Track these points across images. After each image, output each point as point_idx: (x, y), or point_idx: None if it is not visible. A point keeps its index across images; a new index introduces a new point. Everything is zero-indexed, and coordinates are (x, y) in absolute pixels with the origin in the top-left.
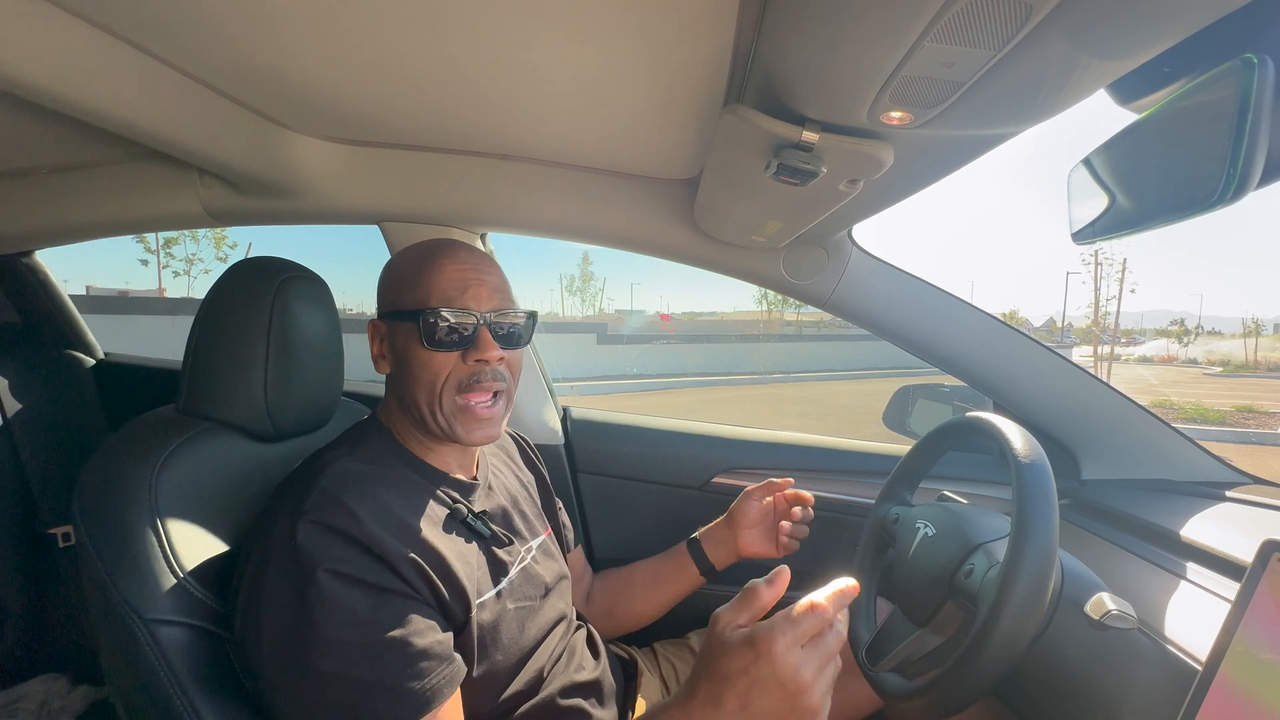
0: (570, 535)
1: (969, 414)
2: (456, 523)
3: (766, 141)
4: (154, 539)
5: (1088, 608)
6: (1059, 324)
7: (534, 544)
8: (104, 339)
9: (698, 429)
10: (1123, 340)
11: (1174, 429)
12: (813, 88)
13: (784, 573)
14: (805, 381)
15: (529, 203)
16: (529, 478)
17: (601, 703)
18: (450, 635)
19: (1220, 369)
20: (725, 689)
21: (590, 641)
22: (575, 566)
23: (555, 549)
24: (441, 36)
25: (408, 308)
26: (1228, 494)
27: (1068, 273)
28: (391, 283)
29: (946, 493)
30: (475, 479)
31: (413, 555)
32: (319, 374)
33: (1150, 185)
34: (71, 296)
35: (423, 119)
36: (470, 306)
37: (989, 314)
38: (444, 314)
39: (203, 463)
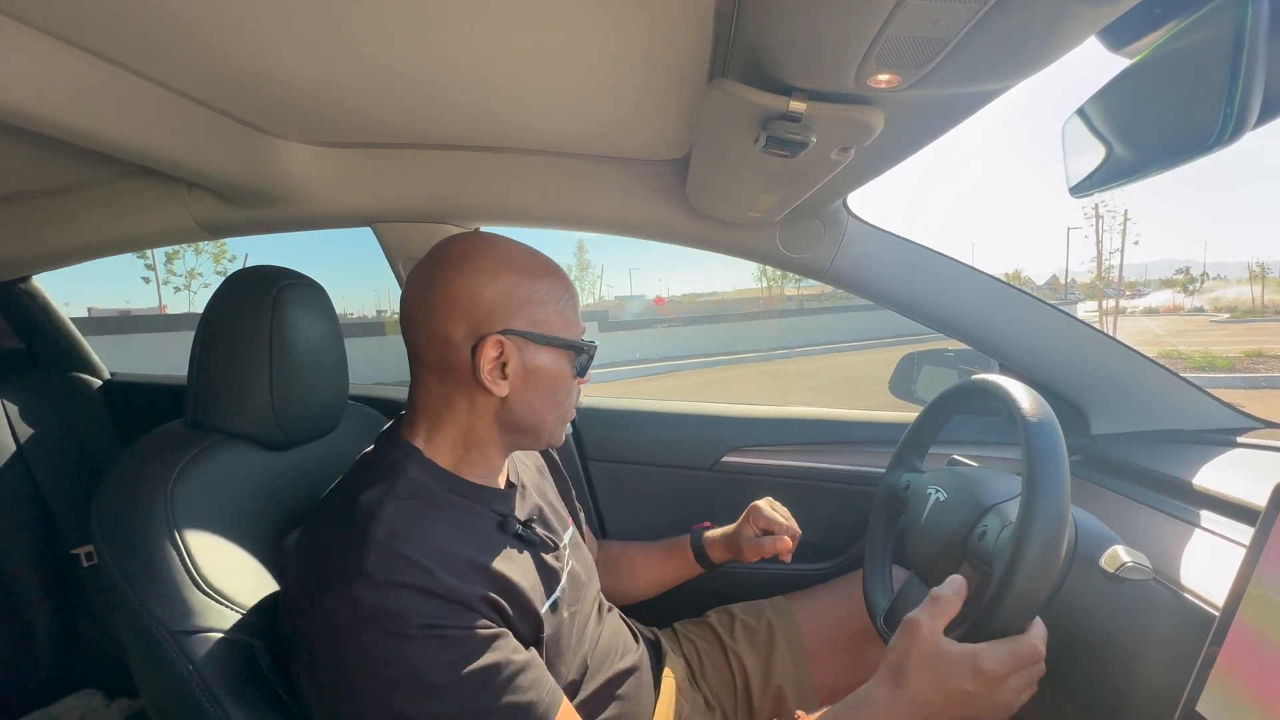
0: (581, 515)
1: (974, 377)
2: (508, 537)
3: (754, 114)
4: (174, 553)
5: (1102, 561)
6: (1062, 281)
7: (565, 539)
8: (108, 360)
9: (705, 410)
10: (1127, 293)
11: (1182, 378)
12: (797, 56)
13: (961, 585)
14: (809, 356)
15: (521, 193)
16: (542, 464)
17: (640, 687)
18: (534, 652)
19: (1227, 315)
20: (938, 696)
21: (625, 624)
22: (590, 550)
23: (577, 533)
24: (420, 32)
25: (558, 334)
26: (1239, 440)
27: (1069, 228)
28: (511, 294)
29: (957, 456)
30: (511, 484)
31: (488, 593)
32: (324, 379)
33: (1147, 131)
34: (74, 320)
35: (408, 116)
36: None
37: (989, 275)
38: (594, 346)
39: (216, 475)
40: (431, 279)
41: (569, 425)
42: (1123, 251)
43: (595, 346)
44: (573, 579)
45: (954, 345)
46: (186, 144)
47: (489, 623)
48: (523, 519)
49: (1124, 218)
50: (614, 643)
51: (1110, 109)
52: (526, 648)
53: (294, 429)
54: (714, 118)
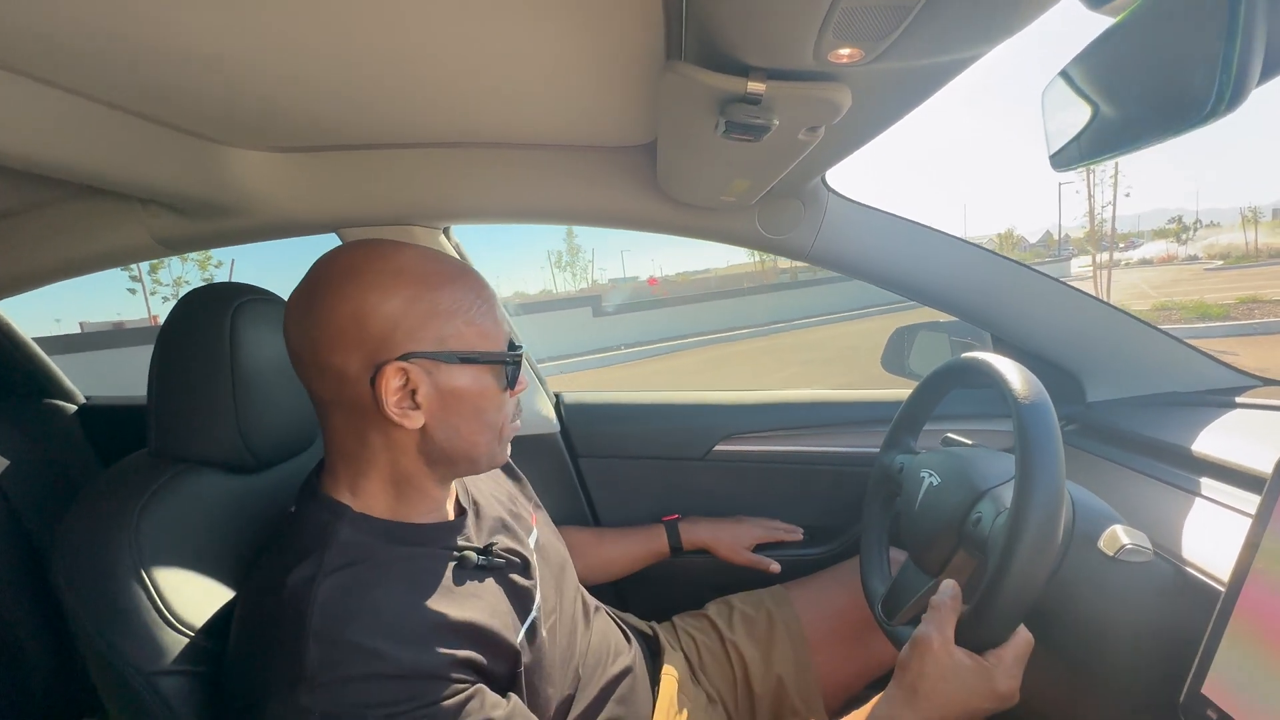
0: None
1: (965, 355)
2: (469, 572)
3: (711, 98)
4: (142, 592)
5: (1101, 543)
6: (1055, 237)
7: (532, 543)
8: (103, 376)
9: (694, 399)
10: (1120, 245)
11: (1176, 339)
12: (751, 32)
13: (954, 588)
14: (805, 328)
15: (488, 189)
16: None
17: (636, 688)
18: (514, 697)
19: (1221, 262)
20: (956, 712)
21: (614, 623)
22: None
23: (545, 524)
24: (367, 29)
25: (472, 348)
26: (1237, 400)
27: (1060, 183)
28: (407, 312)
29: (951, 435)
30: (462, 506)
31: (456, 652)
32: (292, 397)
33: (1133, 99)
34: (65, 336)
35: (364, 117)
36: (509, 331)
37: (977, 246)
38: (520, 353)
39: (183, 505)
40: (310, 305)
41: (555, 419)
42: (1115, 204)
43: (521, 354)
44: (546, 588)
45: (946, 316)
46: (133, 161)
47: (460, 684)
48: (482, 545)
49: (1115, 170)
50: (604, 646)
51: (1093, 74)
52: (506, 691)
53: (264, 451)
54: (673, 103)
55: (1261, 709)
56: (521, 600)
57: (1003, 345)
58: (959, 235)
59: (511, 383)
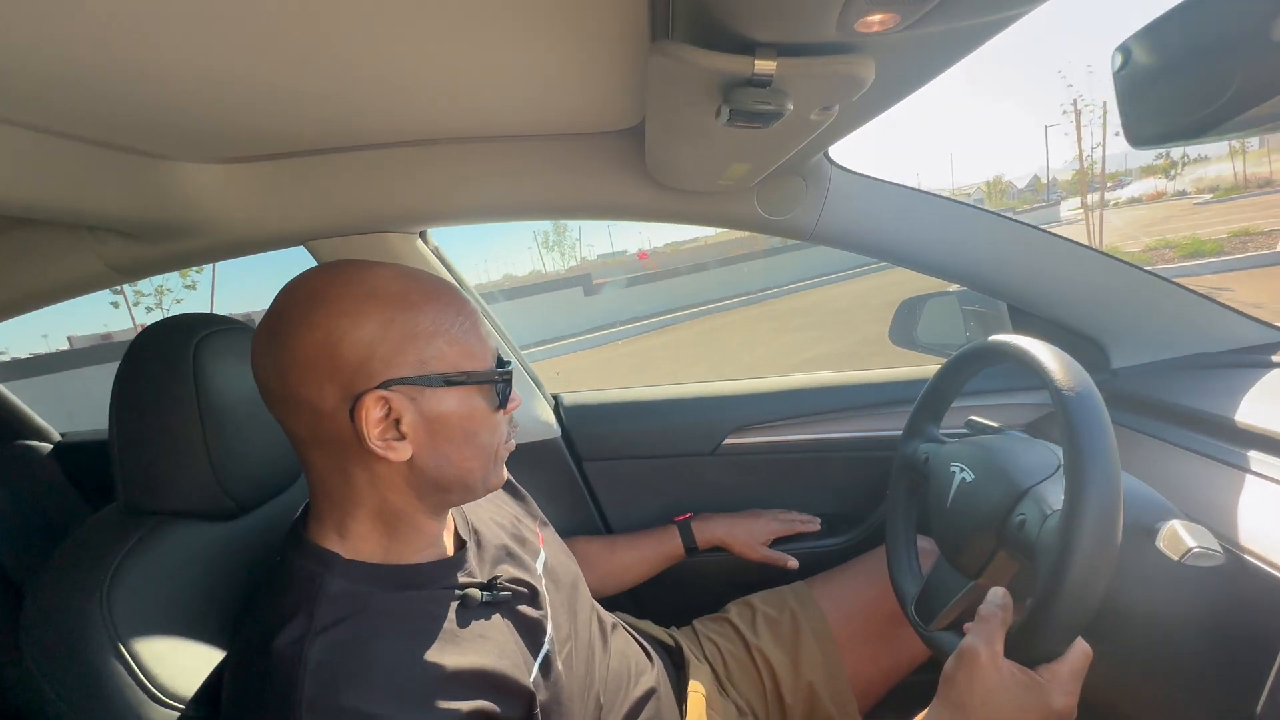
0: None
1: (992, 339)
2: (473, 611)
3: (710, 82)
4: (121, 667)
5: (1162, 544)
6: (1044, 181)
7: (539, 566)
8: (94, 393)
9: (700, 391)
10: (1109, 185)
11: (1202, 295)
12: (760, 2)
13: (1004, 597)
14: (798, 292)
15: (464, 187)
16: None
17: (662, 708)
18: None
19: (1210, 196)
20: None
21: (634, 639)
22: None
23: (553, 542)
24: (320, 26)
25: (457, 369)
26: (1274, 359)
27: (1046, 126)
28: (383, 336)
29: (975, 418)
30: (461, 538)
31: (463, 705)
32: (270, 432)
33: (1236, 72)
34: (54, 354)
35: (323, 120)
36: (495, 347)
37: (989, 211)
38: (509, 369)
39: (160, 564)
40: (276, 337)
41: (555, 424)
42: (1104, 145)
43: (510, 370)
44: (558, 615)
45: (954, 285)
46: (72, 187)
47: None
48: (486, 579)
49: (1104, 110)
50: (625, 667)
51: (1170, 44)
52: None
53: (245, 494)
54: (662, 87)
55: None
56: (532, 633)
57: (1019, 314)
58: (948, 189)
59: (503, 401)
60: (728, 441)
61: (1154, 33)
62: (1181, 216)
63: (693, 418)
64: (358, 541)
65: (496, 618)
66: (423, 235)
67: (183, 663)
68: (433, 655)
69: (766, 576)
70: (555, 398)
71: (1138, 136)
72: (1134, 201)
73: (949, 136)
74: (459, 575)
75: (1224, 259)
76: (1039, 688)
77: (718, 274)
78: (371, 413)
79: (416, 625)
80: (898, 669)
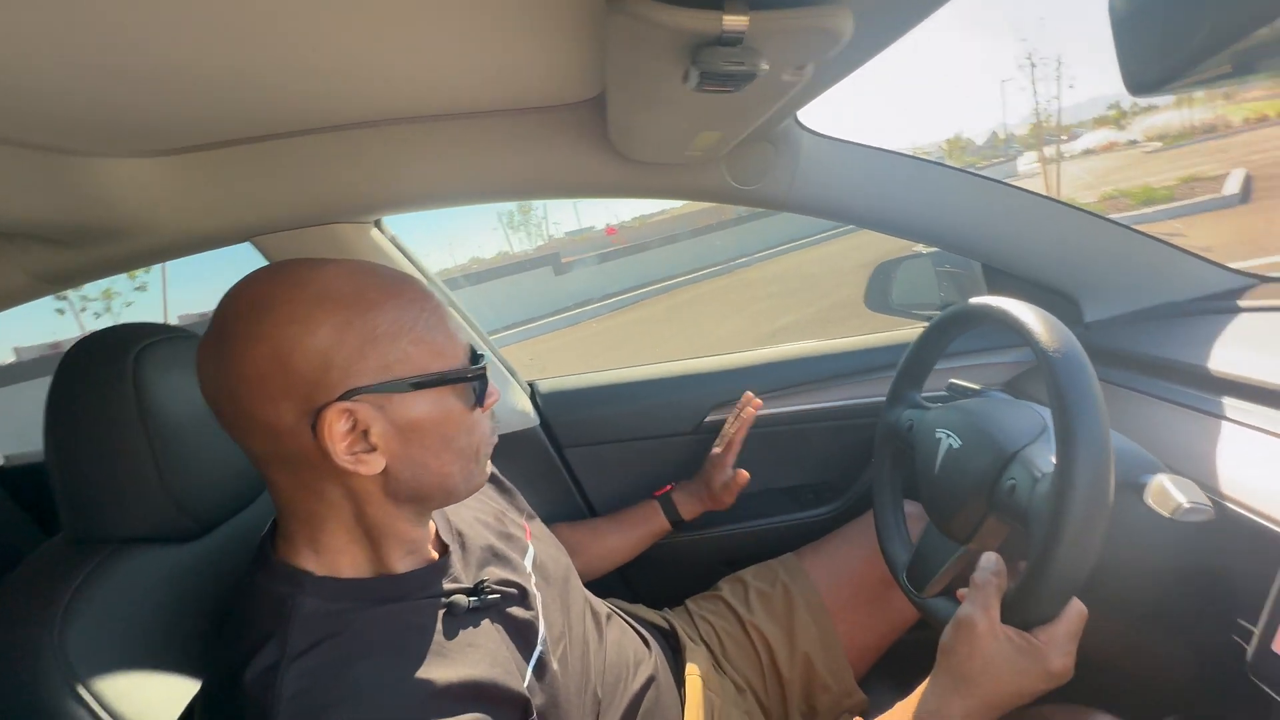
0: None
1: (973, 301)
2: (461, 619)
3: (675, 42)
4: (80, 709)
5: (1151, 500)
6: (1001, 136)
7: (528, 562)
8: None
9: (679, 369)
10: (1064, 138)
11: (1167, 244)
12: None
13: (997, 562)
14: (769, 260)
15: (422, 170)
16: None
17: (662, 696)
18: None
19: (1159, 143)
20: (1009, 695)
21: (629, 627)
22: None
23: (541, 536)
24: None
25: (426, 370)
26: (1240, 304)
27: (1003, 81)
28: (340, 342)
29: (955, 381)
30: (444, 541)
31: None
32: (227, 442)
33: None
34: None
35: (265, 103)
36: (467, 340)
37: (961, 170)
38: (483, 364)
39: (118, 596)
40: (222, 353)
41: (532, 412)
42: (1060, 98)
43: (484, 365)
44: (551, 612)
45: (924, 247)
46: None
47: None
48: (472, 584)
49: (1058, 64)
50: (622, 659)
51: None
52: None
53: (206, 511)
54: (623, 50)
55: None
56: (524, 635)
57: (993, 273)
58: (910, 147)
59: (480, 398)
60: (710, 418)
61: None
62: (1133, 165)
63: (673, 397)
64: (333, 556)
65: (486, 623)
66: (378, 224)
67: (150, 699)
68: (421, 672)
69: (757, 552)
70: (531, 385)
71: (1138, 82)
72: (1088, 153)
73: (909, 95)
74: (444, 582)
75: (1175, 205)
76: (1036, 651)
77: (688, 246)
78: (335, 427)
79: (401, 641)
80: (890, 632)
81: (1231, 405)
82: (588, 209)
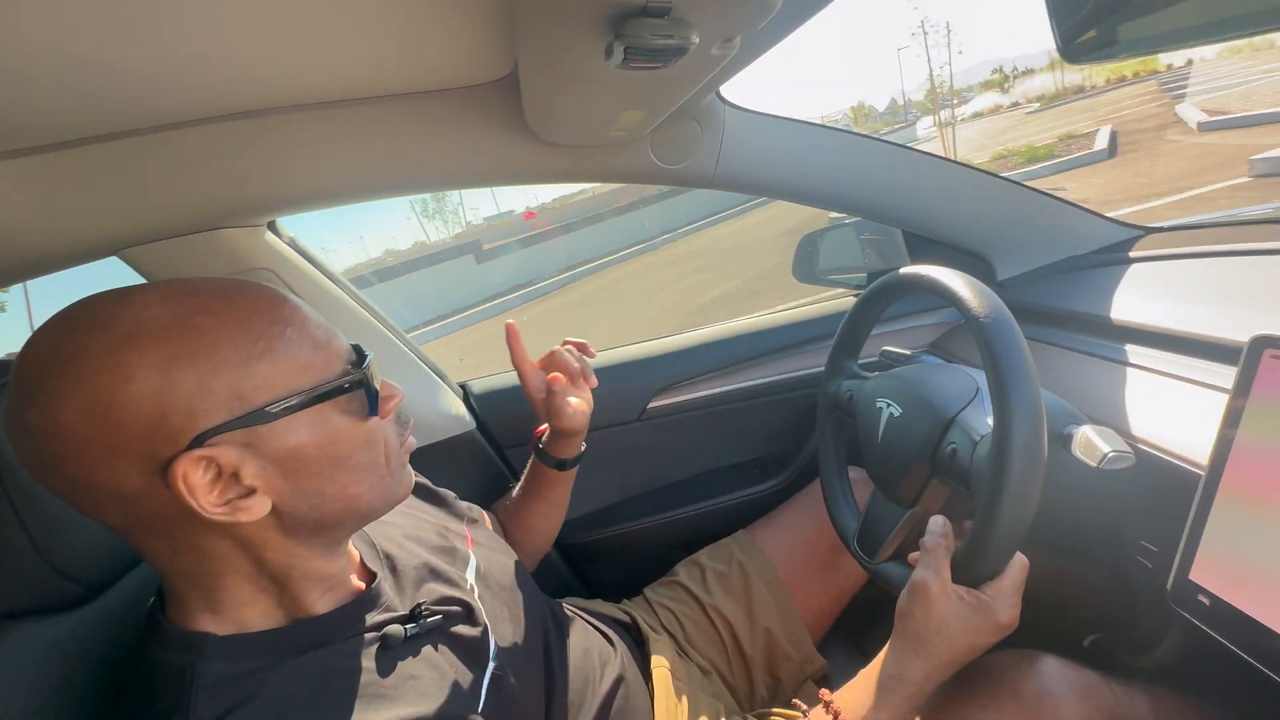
0: (474, 510)
1: (903, 271)
2: (397, 651)
3: (596, 13)
4: None
5: (1078, 451)
6: (900, 102)
7: (470, 574)
8: None
9: (618, 357)
10: (956, 102)
11: (1065, 201)
12: None
13: (944, 525)
14: (693, 234)
15: (318, 163)
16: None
17: (631, 693)
18: None
19: (1038, 104)
20: (964, 651)
21: (591, 627)
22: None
23: (484, 541)
24: None
25: (295, 389)
26: (1131, 255)
27: (898, 49)
28: (175, 384)
29: (888, 348)
30: (370, 569)
31: None
32: None
33: None
34: None
35: (127, 92)
36: (345, 343)
37: (878, 139)
38: (362, 369)
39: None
40: (27, 420)
41: (468, 415)
42: (950, 64)
43: (366, 368)
44: (500, 624)
45: (847, 216)
46: None
47: None
48: (408, 610)
49: (947, 30)
50: (588, 662)
51: None
52: None
53: (90, 572)
54: (537, 26)
55: (1255, 581)
56: (474, 654)
57: (913, 238)
58: (818, 116)
59: (373, 405)
60: (653, 404)
61: None
62: (1017, 126)
63: (615, 385)
64: (237, 611)
65: (427, 650)
66: (272, 226)
67: None
68: (359, 714)
69: (709, 531)
70: (464, 387)
71: (1073, 50)
72: (978, 115)
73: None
74: (374, 614)
75: (1056, 161)
76: (986, 606)
77: (612, 225)
78: (193, 479)
79: (328, 690)
80: (841, 594)
81: (1134, 351)
82: (506, 193)
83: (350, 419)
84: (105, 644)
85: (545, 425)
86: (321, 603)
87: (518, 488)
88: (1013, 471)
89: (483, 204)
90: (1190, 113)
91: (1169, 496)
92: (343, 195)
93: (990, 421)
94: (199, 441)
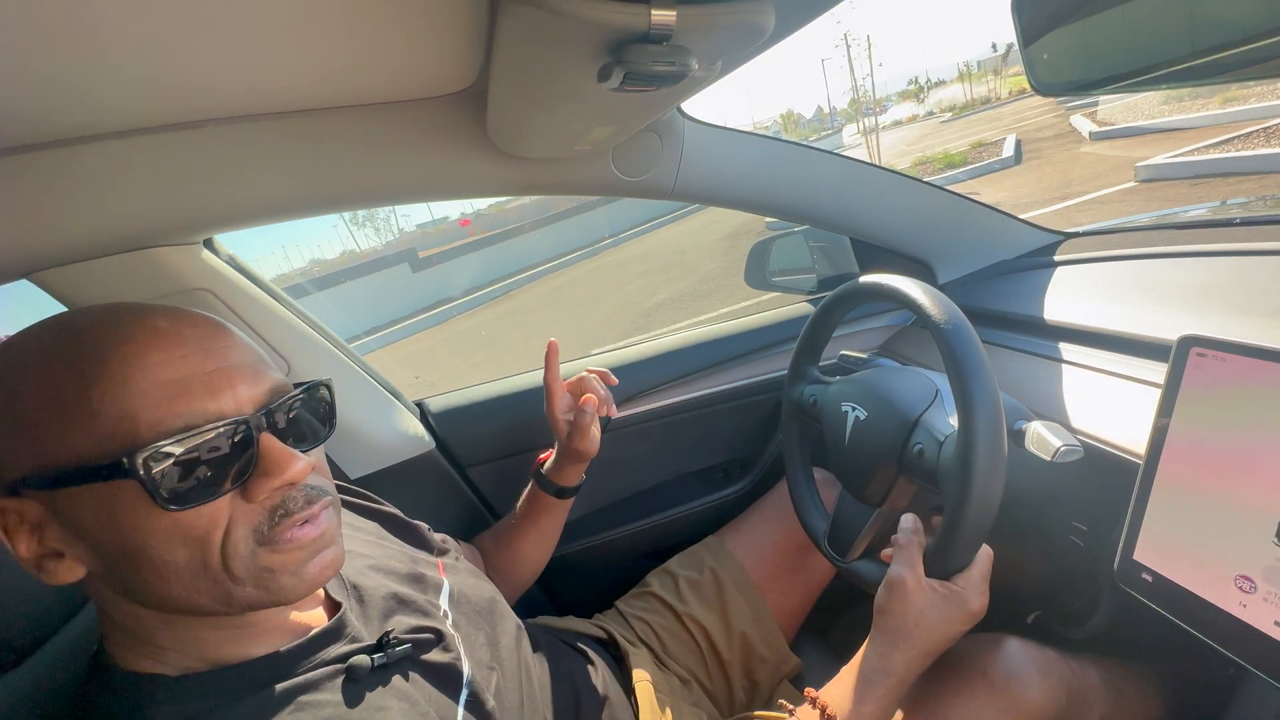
0: (447, 542)
1: (863, 279)
2: (365, 683)
3: (595, 37)
4: None
5: (1032, 446)
6: (826, 110)
7: (443, 600)
8: None
9: (577, 370)
10: (878, 111)
11: (994, 209)
12: None
13: (915, 522)
14: (634, 239)
15: (261, 176)
16: (370, 525)
17: (615, 711)
18: None
19: (950, 114)
20: (941, 640)
21: (568, 648)
22: (473, 558)
23: (456, 566)
24: None
25: (92, 459)
26: (1056, 258)
27: (822, 59)
28: (23, 423)
29: (846, 352)
30: (335, 601)
31: None
32: None
33: (1150, 28)
34: None
35: (47, 101)
36: (223, 409)
37: (825, 151)
38: (176, 444)
39: None
40: None
41: (425, 435)
42: (872, 75)
43: (159, 448)
44: (475, 648)
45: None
46: None
47: None
48: (375, 640)
49: (868, 43)
50: (568, 684)
51: None
52: None
53: (20, 635)
54: (522, 44)
55: (1191, 557)
56: (448, 681)
57: (860, 245)
58: (749, 123)
59: (242, 472)
60: (614, 415)
61: None
62: (933, 134)
63: None
64: (186, 647)
65: (397, 679)
66: (209, 244)
67: None
68: None
69: (677, 538)
70: (420, 405)
71: (1045, 84)
72: (897, 123)
73: (744, 73)
74: (339, 645)
75: (969, 168)
76: (958, 597)
77: (553, 230)
78: (8, 523)
79: None
80: (811, 593)
81: (1066, 349)
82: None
83: (142, 505)
84: (42, 705)
85: (548, 452)
86: (277, 640)
87: (506, 520)
88: (978, 469)
89: (415, 210)
90: (1082, 123)
91: (1102, 481)
92: (288, 211)
93: (952, 421)
94: (12, 490)
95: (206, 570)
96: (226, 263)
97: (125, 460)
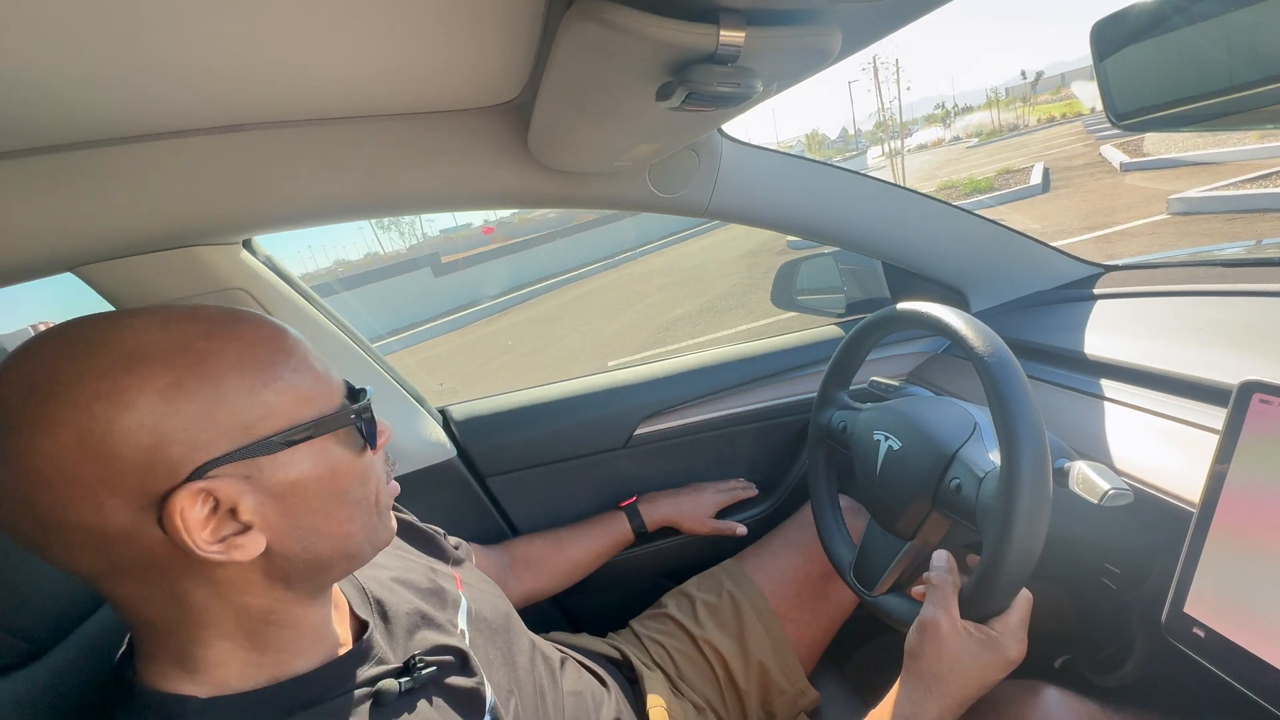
0: (461, 547)
1: (900, 306)
2: (392, 708)
3: (660, 56)
4: None
5: (1077, 487)
6: (851, 132)
7: (462, 619)
8: None
9: (605, 383)
10: (904, 134)
11: (1033, 239)
12: None
13: (948, 560)
14: (652, 253)
15: (304, 180)
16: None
17: None
18: None
19: (977, 139)
20: (976, 687)
21: (582, 668)
22: (491, 570)
23: (472, 581)
24: None
25: (297, 420)
26: (1095, 291)
27: (849, 82)
28: (174, 412)
29: (877, 378)
30: (361, 618)
31: None
32: None
33: (1223, 62)
34: None
35: (98, 101)
36: (339, 376)
37: (860, 174)
38: (366, 400)
39: None
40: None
41: (448, 443)
42: (900, 99)
43: (367, 401)
44: (495, 671)
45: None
46: None
47: None
48: (401, 662)
49: (897, 68)
50: (582, 705)
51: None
52: None
53: (39, 628)
54: (581, 60)
55: (1248, 615)
56: (470, 705)
57: (892, 270)
58: (774, 142)
59: (370, 439)
60: (639, 431)
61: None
62: (959, 159)
63: (600, 412)
64: (216, 671)
65: (422, 704)
66: (248, 245)
67: None
68: None
69: (695, 559)
70: (444, 412)
71: (1121, 115)
72: (922, 147)
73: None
74: (366, 668)
75: (995, 194)
76: (995, 642)
77: (574, 241)
78: (190, 514)
79: None
80: (832, 624)
81: (1109, 386)
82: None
83: (349, 452)
84: (54, 708)
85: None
86: (307, 659)
87: (573, 527)
88: (1021, 509)
89: (440, 216)
90: (1113, 154)
91: (1143, 525)
92: (325, 215)
93: (993, 457)
94: (200, 473)
95: (376, 506)
96: (264, 263)
97: (352, 411)
